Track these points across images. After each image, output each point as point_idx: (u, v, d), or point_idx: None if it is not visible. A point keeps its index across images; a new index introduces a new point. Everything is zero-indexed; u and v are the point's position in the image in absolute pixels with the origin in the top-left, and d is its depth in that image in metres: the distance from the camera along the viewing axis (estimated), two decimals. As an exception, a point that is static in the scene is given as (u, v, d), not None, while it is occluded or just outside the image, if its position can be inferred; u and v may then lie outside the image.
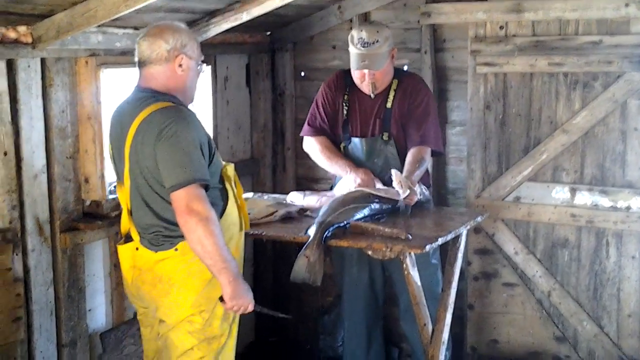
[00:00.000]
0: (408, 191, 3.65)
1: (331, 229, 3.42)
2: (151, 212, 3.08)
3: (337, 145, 4.20)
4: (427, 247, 3.32)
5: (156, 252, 3.08)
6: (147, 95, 3.08)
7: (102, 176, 3.78)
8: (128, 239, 3.20)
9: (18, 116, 3.42)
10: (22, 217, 3.49)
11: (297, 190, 4.28)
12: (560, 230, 4.44)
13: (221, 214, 3.12)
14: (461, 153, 4.70)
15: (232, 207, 3.21)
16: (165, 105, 3.01)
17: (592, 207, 4.33)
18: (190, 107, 3.19)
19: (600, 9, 4.15)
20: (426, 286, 3.76)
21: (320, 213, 3.55)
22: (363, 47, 3.94)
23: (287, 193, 4.20)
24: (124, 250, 3.20)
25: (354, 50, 3.98)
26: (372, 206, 3.64)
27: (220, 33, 4.15)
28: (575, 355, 4.50)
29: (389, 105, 4.08)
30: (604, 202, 4.30)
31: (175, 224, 2.99)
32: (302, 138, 4.35)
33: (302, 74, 5.13)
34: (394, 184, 3.70)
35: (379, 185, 3.90)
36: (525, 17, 4.32)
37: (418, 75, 4.36)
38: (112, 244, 3.90)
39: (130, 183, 3.10)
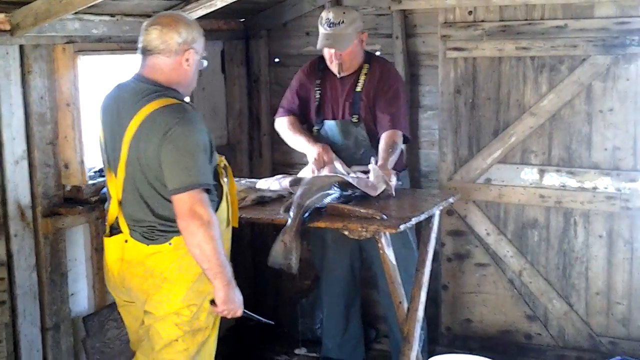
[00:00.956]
0: (384, 186, 3.75)
1: (309, 212, 3.48)
2: (147, 208, 3.04)
3: (309, 128, 4.31)
4: (402, 227, 3.40)
5: (148, 245, 3.06)
6: (150, 87, 3.02)
7: (82, 162, 3.81)
8: (114, 230, 3.15)
9: (-2, 103, 3.47)
10: (4, 202, 3.54)
11: (275, 174, 4.35)
12: (530, 211, 4.55)
13: (215, 210, 3.10)
14: (433, 137, 4.79)
15: (223, 203, 3.19)
16: (170, 103, 2.96)
17: (560, 188, 4.44)
18: None
19: (566, -6, 4.27)
20: (404, 267, 3.88)
21: (298, 194, 3.58)
22: (329, 27, 4.08)
23: (264, 178, 4.27)
24: (111, 242, 3.15)
25: (321, 30, 4.13)
26: (345, 189, 3.70)
27: (195, 19, 4.19)
28: (546, 332, 4.62)
29: (358, 88, 4.18)
30: (572, 182, 4.41)
31: (171, 221, 3.00)
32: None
33: (276, 60, 5.20)
34: (371, 178, 3.79)
35: (338, 164, 4.02)
36: (493, 2, 4.41)
37: (389, 61, 4.46)
38: (93, 229, 3.94)
39: (125, 175, 3.04)
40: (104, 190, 3.38)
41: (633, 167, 4.29)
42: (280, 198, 3.87)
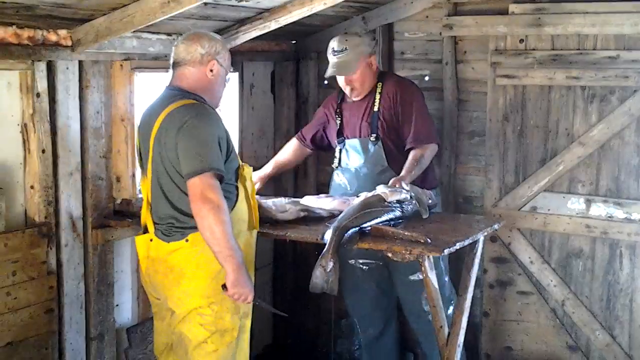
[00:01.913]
0: (397, 197, 3.77)
1: (348, 233, 3.51)
2: (167, 202, 3.24)
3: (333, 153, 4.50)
4: (446, 251, 3.40)
5: (168, 242, 3.24)
6: (175, 93, 3.29)
7: (133, 175, 3.92)
8: (145, 230, 3.38)
9: (56, 116, 3.58)
10: (56, 213, 3.64)
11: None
12: (575, 241, 4.52)
13: (231, 208, 3.24)
14: (479, 163, 4.79)
15: (241, 204, 3.36)
16: (189, 102, 3.22)
17: (607, 219, 4.40)
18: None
19: (618, 25, 4.25)
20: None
21: (337, 218, 3.63)
22: (334, 55, 4.26)
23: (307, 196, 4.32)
24: (139, 240, 3.37)
25: (329, 59, 4.32)
26: (390, 211, 3.72)
27: (247, 41, 4.28)
28: (587, 364, 4.58)
29: (375, 108, 4.29)
30: (619, 213, 4.37)
31: (188, 215, 3.15)
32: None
33: (326, 82, 5.22)
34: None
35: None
36: (545, 31, 4.42)
37: (403, 77, 4.54)
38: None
39: (151, 174, 3.28)
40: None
41: (682, 200, 4.25)
42: (321, 218, 3.92)
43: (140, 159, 3.41)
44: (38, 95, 3.47)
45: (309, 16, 4.07)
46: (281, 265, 5.41)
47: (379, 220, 3.63)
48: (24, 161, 3.51)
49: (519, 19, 4.48)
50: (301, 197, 4.36)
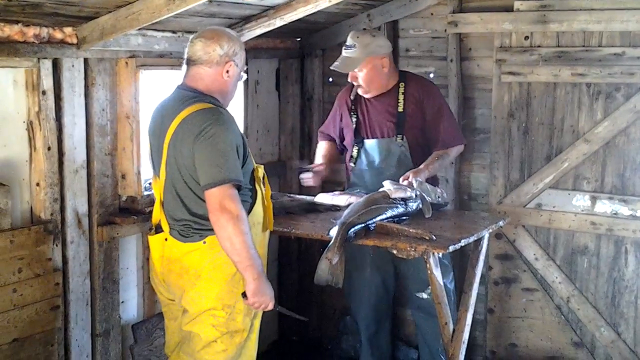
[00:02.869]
0: (402, 194, 3.79)
1: (353, 229, 3.52)
2: (183, 207, 3.22)
3: (348, 152, 4.44)
4: (451, 248, 3.42)
5: (185, 243, 3.22)
6: (190, 94, 3.22)
7: (139, 173, 3.93)
8: (158, 229, 3.35)
9: (61, 113, 3.59)
10: (62, 210, 3.65)
11: (324, 192, 4.40)
12: (580, 238, 4.52)
13: (248, 212, 3.24)
14: (484, 160, 4.79)
15: (258, 207, 3.35)
16: (205, 107, 3.15)
17: (612, 216, 4.40)
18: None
19: (624, 22, 4.24)
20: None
21: (343, 214, 3.65)
22: (344, 49, 4.24)
23: (313, 195, 4.32)
24: (154, 240, 3.36)
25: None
26: (395, 208, 3.73)
27: (252, 38, 4.29)
28: (592, 360, 4.58)
29: (400, 109, 4.26)
30: (624, 210, 4.37)
31: (205, 219, 3.14)
32: None
33: (330, 79, 5.25)
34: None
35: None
36: (550, 28, 4.42)
37: (424, 77, 4.54)
38: (146, 239, 4.03)
39: (165, 176, 3.25)
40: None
41: (687, 197, 4.25)
42: (329, 211, 3.95)
43: (152, 158, 3.38)
44: (44, 92, 3.48)
45: (313, 13, 4.08)
46: (286, 261, 5.42)
47: (384, 216, 3.64)
48: (30, 158, 3.52)
49: (524, 15, 4.48)
50: (307, 194, 4.38)
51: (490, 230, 3.87)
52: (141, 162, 3.92)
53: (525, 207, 4.62)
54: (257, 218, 3.34)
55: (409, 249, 3.42)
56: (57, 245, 3.62)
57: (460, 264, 4.87)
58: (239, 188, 3.12)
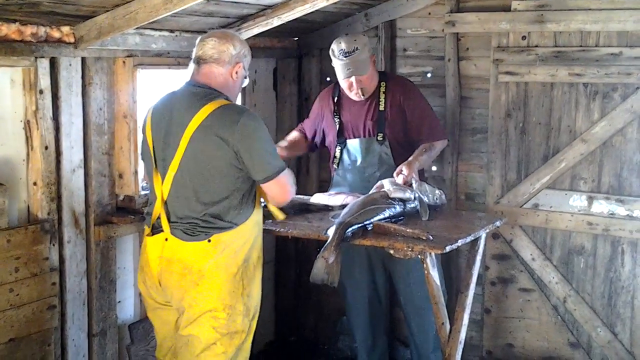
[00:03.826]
0: (402, 194, 3.80)
1: (350, 229, 3.52)
2: (197, 202, 3.20)
3: (329, 152, 4.51)
4: (448, 248, 3.41)
5: (189, 242, 3.19)
6: (207, 90, 3.23)
7: (136, 172, 3.92)
8: (155, 229, 3.31)
9: (59, 112, 3.58)
10: (59, 209, 3.64)
11: (320, 192, 4.40)
12: (577, 238, 4.53)
13: (252, 213, 3.29)
14: (481, 160, 4.79)
15: (258, 207, 3.37)
16: (227, 103, 3.21)
17: (609, 216, 4.41)
18: None
19: (621, 22, 4.25)
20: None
21: (341, 214, 3.66)
22: (345, 56, 4.15)
23: (310, 195, 4.32)
24: (152, 240, 3.31)
25: (337, 62, 4.20)
26: (393, 208, 3.73)
27: (250, 37, 4.28)
28: (588, 360, 4.58)
29: (381, 107, 4.28)
30: (620, 211, 4.38)
31: (216, 217, 3.17)
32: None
33: (328, 79, 5.25)
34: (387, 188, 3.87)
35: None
36: (548, 28, 4.42)
37: (402, 76, 4.58)
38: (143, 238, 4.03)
39: (177, 172, 3.21)
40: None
41: (684, 197, 4.25)
42: (323, 210, 3.96)
43: (154, 155, 3.31)
44: (41, 92, 3.47)
45: (311, 13, 4.08)
46: (283, 262, 5.42)
47: (382, 216, 3.64)
48: (27, 158, 3.51)
49: (522, 15, 4.48)
50: (303, 194, 4.37)
51: (487, 230, 3.87)
52: (139, 161, 3.90)
53: (522, 207, 4.62)
54: (258, 218, 3.36)
55: (406, 249, 3.41)
56: (54, 245, 3.62)
57: (456, 264, 4.88)
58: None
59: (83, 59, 3.65)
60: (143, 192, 3.97)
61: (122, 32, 3.53)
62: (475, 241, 3.83)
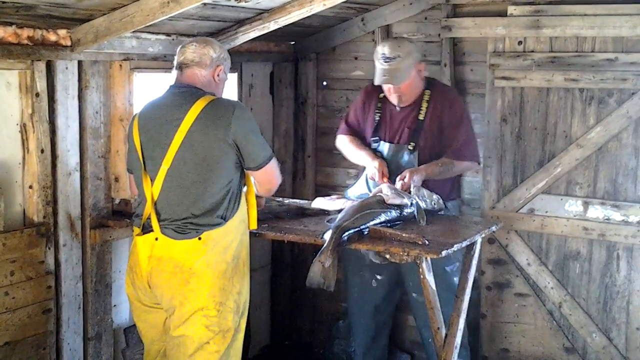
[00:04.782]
0: (399, 201, 3.78)
1: (347, 233, 3.52)
2: (189, 199, 3.21)
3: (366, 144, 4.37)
4: (443, 253, 3.41)
5: (180, 240, 3.21)
6: (191, 89, 3.30)
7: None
8: (145, 230, 3.32)
9: (55, 116, 3.59)
10: (55, 212, 3.64)
11: (317, 196, 4.39)
12: (573, 243, 4.53)
13: (238, 209, 3.32)
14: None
15: (243, 205, 3.40)
16: (217, 98, 3.31)
17: (604, 221, 4.41)
18: None
19: (617, 27, 4.26)
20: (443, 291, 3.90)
21: (337, 218, 3.65)
22: (385, 62, 4.07)
23: (306, 199, 4.32)
24: (142, 240, 3.31)
25: (377, 65, 4.13)
26: (389, 212, 3.73)
27: (246, 41, 4.28)
28: (584, 366, 4.58)
29: (421, 117, 4.20)
30: (616, 216, 4.39)
31: (206, 214, 3.20)
32: (327, 146, 4.57)
33: (324, 83, 5.26)
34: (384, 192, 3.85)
35: (385, 186, 4.00)
36: (544, 33, 4.43)
37: (450, 87, 4.51)
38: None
39: (169, 170, 3.23)
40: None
41: (679, 203, 4.26)
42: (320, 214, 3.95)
43: (142, 158, 3.31)
44: (37, 95, 3.47)
45: (307, 17, 4.08)
46: (279, 266, 5.42)
47: (378, 221, 3.64)
48: (23, 161, 3.51)
49: (518, 20, 4.49)
50: (302, 199, 4.37)
51: (483, 235, 3.87)
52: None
53: (517, 212, 4.62)
54: (243, 216, 3.39)
55: (401, 253, 3.41)
56: (49, 248, 3.61)
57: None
58: None
59: (79, 62, 3.65)
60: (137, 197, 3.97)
61: (119, 36, 3.53)
62: (471, 246, 3.83)
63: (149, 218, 3.29)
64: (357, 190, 4.30)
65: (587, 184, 4.45)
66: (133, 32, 3.63)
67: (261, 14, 4.07)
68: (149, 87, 4.15)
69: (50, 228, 3.61)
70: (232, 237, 3.29)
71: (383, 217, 3.67)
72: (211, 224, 3.21)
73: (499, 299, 4.75)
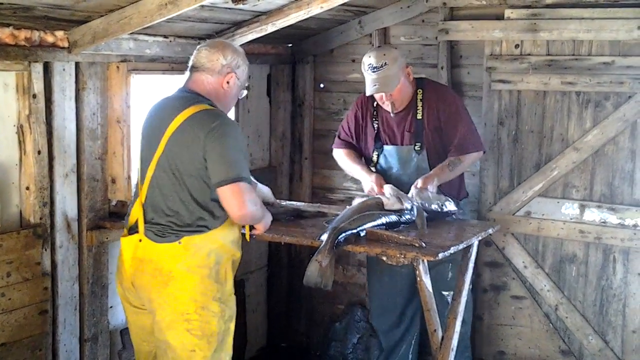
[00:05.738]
0: (398, 206, 3.77)
1: (343, 234, 3.52)
2: (166, 206, 3.20)
3: (364, 156, 4.38)
4: (440, 255, 3.41)
5: (160, 243, 3.20)
6: (190, 95, 3.27)
7: (129, 177, 3.91)
8: (132, 231, 3.31)
9: (52, 117, 3.58)
10: (51, 214, 3.63)
11: (312, 200, 4.39)
12: (569, 246, 4.54)
13: (224, 220, 3.27)
14: (474, 167, 4.76)
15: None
16: (208, 108, 3.22)
17: (601, 224, 4.42)
18: None
19: (613, 31, 4.27)
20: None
21: (335, 219, 3.65)
22: (373, 71, 4.08)
23: (302, 201, 4.31)
24: (127, 241, 3.31)
25: (366, 76, 4.14)
26: (387, 215, 3.73)
27: (244, 43, 4.28)
28: (580, 368, 4.59)
29: (419, 116, 4.20)
30: (612, 219, 4.40)
31: (187, 218, 3.18)
32: (324, 148, 4.51)
33: (322, 85, 5.27)
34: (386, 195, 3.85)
35: (388, 188, 4.00)
36: (540, 36, 4.44)
37: (439, 83, 4.51)
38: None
39: (154, 173, 3.23)
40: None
41: (676, 206, 4.27)
42: (317, 216, 3.94)
43: (142, 156, 3.33)
44: (34, 96, 3.47)
45: (305, 19, 4.09)
46: (276, 267, 5.42)
47: (375, 223, 3.64)
48: (20, 162, 3.51)
49: (515, 24, 4.50)
50: (298, 201, 4.36)
51: (480, 238, 3.86)
52: (132, 166, 3.90)
53: (514, 215, 4.63)
54: (232, 227, 3.34)
55: (398, 255, 3.41)
56: (46, 250, 3.61)
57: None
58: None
59: (77, 64, 3.65)
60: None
61: (116, 37, 3.53)
62: (468, 248, 3.83)
63: (137, 219, 3.29)
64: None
65: (584, 187, 4.46)
66: (130, 33, 3.63)
67: (259, 16, 4.08)
68: (146, 89, 4.15)
69: (46, 229, 3.60)
70: (218, 244, 3.25)
71: (382, 220, 3.67)
72: (192, 230, 3.18)
73: (495, 302, 4.76)
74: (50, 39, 3.47)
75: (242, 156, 3.20)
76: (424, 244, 3.45)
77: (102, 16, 3.41)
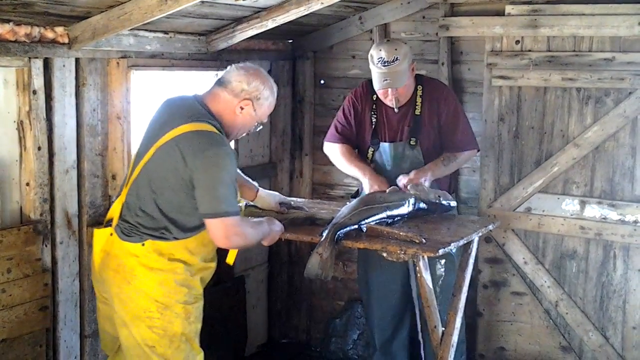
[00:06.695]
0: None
1: (344, 230, 3.53)
2: (139, 209, 3.21)
3: (361, 152, 4.34)
4: (440, 251, 3.41)
5: (125, 241, 3.21)
6: (200, 110, 3.21)
7: (129, 173, 3.90)
8: (107, 224, 3.33)
9: (52, 113, 3.57)
10: (52, 210, 3.63)
11: (315, 194, 4.38)
12: (569, 242, 4.54)
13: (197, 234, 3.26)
14: (474, 163, 4.79)
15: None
16: (208, 129, 3.14)
17: (601, 220, 4.42)
18: None
19: (614, 27, 4.27)
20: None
21: (336, 215, 3.65)
22: (384, 66, 4.02)
23: (303, 198, 4.30)
24: (99, 233, 3.33)
25: (375, 70, 4.07)
26: (387, 210, 3.74)
27: (244, 39, 4.28)
28: (580, 364, 4.59)
29: (417, 112, 4.20)
30: (613, 215, 4.40)
31: (155, 223, 3.18)
32: (322, 142, 4.49)
33: (322, 81, 5.26)
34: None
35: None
36: (541, 32, 4.44)
37: (439, 80, 4.50)
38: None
39: (139, 175, 3.23)
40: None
41: (676, 202, 4.26)
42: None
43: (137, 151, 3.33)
44: (34, 92, 3.47)
45: (305, 15, 4.08)
46: (276, 264, 5.42)
47: (375, 218, 3.65)
48: (20, 158, 3.51)
49: (515, 20, 4.49)
50: (299, 197, 4.34)
51: (480, 234, 3.87)
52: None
53: (514, 211, 4.63)
54: (206, 241, 3.31)
55: (399, 251, 3.41)
56: (46, 246, 3.61)
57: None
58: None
59: (77, 60, 3.65)
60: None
61: (117, 33, 3.53)
62: (468, 244, 3.83)
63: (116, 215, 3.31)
64: None
65: (584, 183, 4.46)
66: (131, 29, 3.63)
67: (259, 12, 4.07)
68: (146, 85, 4.15)
69: (47, 225, 3.60)
70: (183, 256, 3.23)
71: (382, 214, 3.68)
72: (155, 235, 3.18)
73: (495, 298, 4.76)
74: (50, 35, 3.47)
75: (232, 189, 3.14)
76: (424, 240, 3.45)
77: (102, 12, 3.40)
